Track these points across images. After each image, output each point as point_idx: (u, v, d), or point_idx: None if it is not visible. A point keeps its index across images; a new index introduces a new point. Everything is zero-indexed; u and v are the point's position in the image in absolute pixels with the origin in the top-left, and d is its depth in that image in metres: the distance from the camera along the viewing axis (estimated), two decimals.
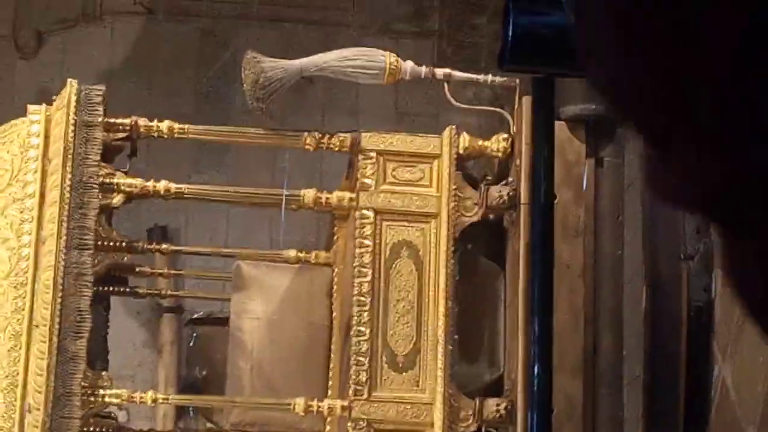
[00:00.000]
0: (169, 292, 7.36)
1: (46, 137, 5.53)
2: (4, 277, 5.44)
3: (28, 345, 5.34)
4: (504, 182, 5.77)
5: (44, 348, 5.32)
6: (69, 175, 5.45)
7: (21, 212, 5.47)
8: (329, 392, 5.94)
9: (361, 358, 5.56)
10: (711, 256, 5.21)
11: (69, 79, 5.67)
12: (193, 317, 7.36)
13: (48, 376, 5.30)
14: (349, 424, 5.53)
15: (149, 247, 6.43)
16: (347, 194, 5.79)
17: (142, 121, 5.74)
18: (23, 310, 5.36)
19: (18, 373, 5.31)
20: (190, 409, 6.91)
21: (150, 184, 5.72)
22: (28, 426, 5.27)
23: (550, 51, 2.33)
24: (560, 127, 5.64)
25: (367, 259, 5.63)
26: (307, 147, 5.84)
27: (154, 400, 5.92)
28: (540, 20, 2.33)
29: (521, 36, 2.20)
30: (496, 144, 5.80)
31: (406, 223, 5.70)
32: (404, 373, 5.58)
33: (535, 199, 5.42)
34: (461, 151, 5.74)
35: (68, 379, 5.36)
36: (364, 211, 5.68)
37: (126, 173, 5.72)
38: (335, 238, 6.25)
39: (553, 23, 2.22)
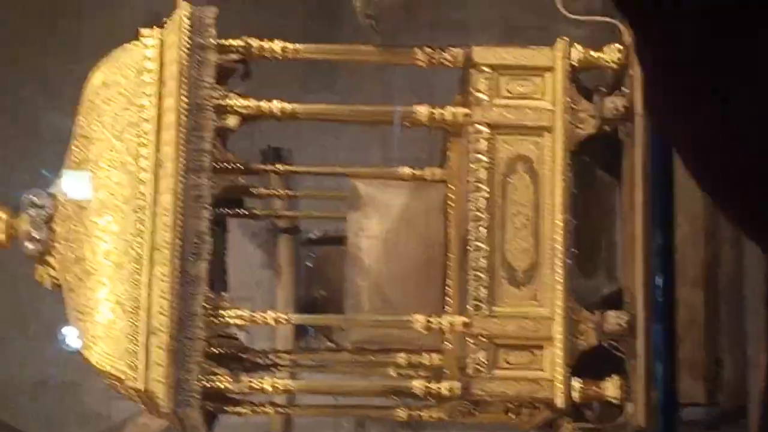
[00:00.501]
0: (284, 213, 7.42)
1: (161, 60, 5.55)
2: (125, 201, 5.48)
3: (150, 268, 5.39)
4: (618, 93, 5.71)
5: (166, 271, 5.37)
6: (184, 98, 5.48)
7: (138, 136, 5.50)
8: (447, 309, 5.94)
9: (480, 274, 5.55)
10: None
11: (180, 1, 5.67)
12: (310, 237, 7.39)
13: (171, 298, 5.35)
14: (469, 339, 5.53)
15: (264, 167, 6.47)
16: (462, 109, 5.76)
17: (255, 42, 5.75)
18: (144, 233, 5.40)
19: (141, 297, 5.37)
20: (310, 328, 6.94)
21: (264, 104, 5.73)
22: (154, 348, 5.33)
23: None
24: None
25: (482, 174, 5.62)
26: (418, 63, 5.82)
27: (275, 320, 5.96)
28: None
29: None
30: (610, 55, 5.74)
31: (521, 137, 5.68)
32: (523, 288, 5.57)
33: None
34: (574, 63, 5.71)
35: (190, 301, 5.42)
36: (479, 126, 5.65)
37: (240, 95, 5.72)
38: (448, 154, 6.23)
39: None
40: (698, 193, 5.52)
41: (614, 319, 5.53)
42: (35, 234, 5.67)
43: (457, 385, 5.63)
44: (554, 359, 5.50)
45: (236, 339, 5.98)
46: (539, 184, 5.63)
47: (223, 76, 5.74)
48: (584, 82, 5.81)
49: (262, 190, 6.70)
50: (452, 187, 6.12)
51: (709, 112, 1.24)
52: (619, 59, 5.72)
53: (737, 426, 5.45)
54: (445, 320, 5.64)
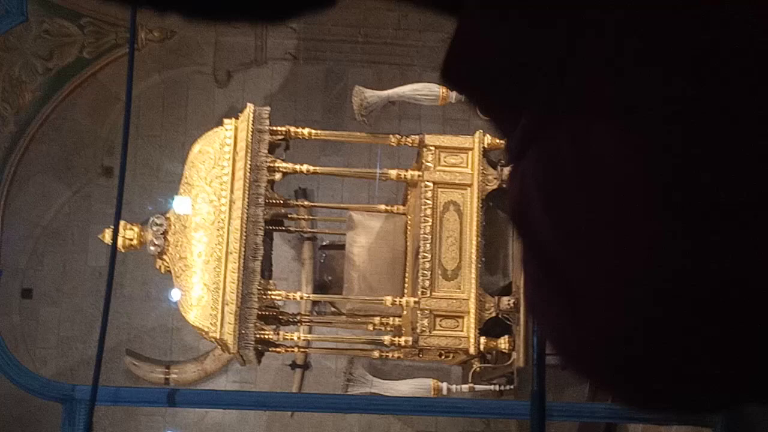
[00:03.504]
0: (308, 230, 7.40)
1: (235, 138, 5.54)
2: (211, 223, 5.47)
3: (225, 263, 5.37)
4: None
5: (235, 266, 5.35)
6: (249, 162, 5.47)
7: (220, 184, 5.49)
8: (405, 292, 5.94)
9: (425, 272, 5.55)
10: None
11: (248, 104, 5.67)
12: (323, 244, 7.38)
13: (238, 282, 5.34)
14: (418, 311, 5.53)
15: (296, 203, 6.46)
16: (416, 172, 5.76)
17: (293, 129, 5.74)
18: (222, 243, 5.39)
19: (219, 281, 5.35)
20: (322, 301, 6.93)
21: (297, 166, 5.72)
22: (227, 313, 5.32)
23: None
24: None
25: (428, 211, 5.61)
26: (391, 143, 5.82)
27: (301, 297, 5.95)
28: None
29: None
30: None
31: (452, 190, 5.67)
32: (452, 281, 5.57)
33: None
34: (485, 145, 5.70)
35: (250, 284, 5.40)
36: (427, 183, 5.65)
37: (283, 160, 5.71)
38: (408, 197, 6.23)
39: None
40: None
41: (506, 301, 5.53)
42: (156, 241, 5.65)
43: (410, 338, 5.62)
44: (469, 325, 5.49)
45: (277, 307, 5.96)
46: (463, 219, 5.63)
47: (273, 148, 5.73)
48: (491, 156, 5.81)
49: (295, 216, 6.68)
50: (410, 218, 6.11)
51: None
52: None
53: None
54: (404, 299, 5.64)
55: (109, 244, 5.28)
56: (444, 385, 5.68)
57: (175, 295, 5.68)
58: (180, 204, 5.68)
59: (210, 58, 8.67)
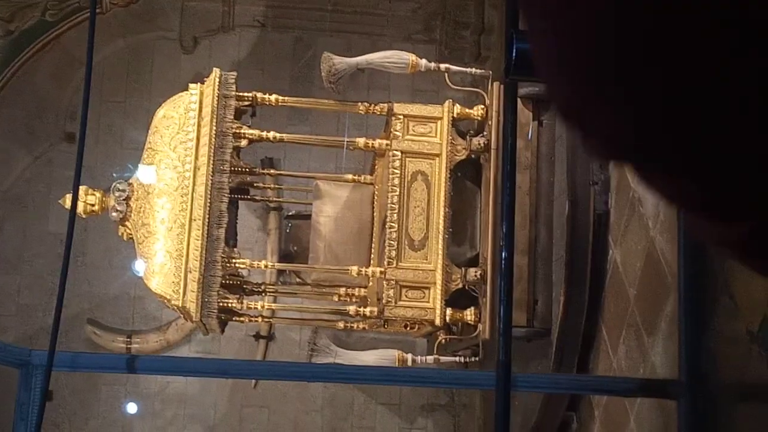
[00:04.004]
0: (274, 199, 7.33)
1: (200, 104, 5.44)
2: (175, 189, 5.38)
3: (189, 230, 5.29)
4: (481, 134, 5.67)
5: (199, 233, 5.27)
6: (214, 128, 5.38)
7: (184, 150, 5.40)
8: (372, 262, 5.89)
9: (392, 242, 5.50)
10: (608, 182, 5.11)
11: (214, 68, 5.57)
12: (289, 214, 7.30)
13: (201, 250, 5.26)
14: (384, 282, 5.48)
15: (262, 171, 6.38)
16: (385, 141, 5.70)
17: (259, 95, 5.65)
18: (186, 209, 5.31)
19: (183, 249, 5.27)
20: (287, 271, 6.87)
21: (264, 133, 5.64)
22: (189, 281, 5.24)
23: None
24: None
25: (396, 181, 5.56)
26: (360, 111, 5.75)
27: (265, 266, 5.88)
28: None
29: (520, 56, 2.09)
30: (477, 111, 5.70)
31: (420, 159, 5.62)
32: (418, 252, 5.52)
33: (501, 145, 5.31)
34: (455, 115, 5.65)
35: (213, 252, 5.33)
36: (395, 152, 5.59)
37: (249, 126, 5.63)
38: (376, 167, 6.17)
39: None
40: (526, 197, 5.51)
41: (473, 272, 5.50)
42: (118, 207, 5.55)
43: (375, 309, 5.58)
44: (436, 296, 5.46)
45: (241, 276, 5.89)
46: (431, 189, 5.58)
47: (239, 114, 5.64)
48: (461, 127, 5.76)
49: (261, 184, 6.60)
50: (377, 187, 6.06)
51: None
52: (482, 114, 5.68)
53: (544, 339, 5.44)
54: (370, 270, 5.59)
55: (69, 209, 5.17)
56: (409, 356, 5.65)
57: (138, 265, 5.59)
58: (144, 172, 5.58)
59: (176, 23, 8.53)
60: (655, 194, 0.90)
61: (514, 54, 2.11)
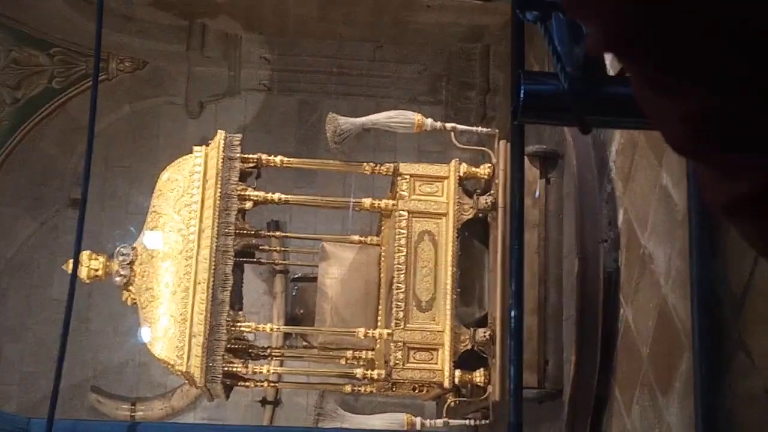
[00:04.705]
0: (280, 261, 7.28)
1: (205, 166, 5.43)
2: (179, 252, 5.34)
3: (193, 294, 5.24)
4: (488, 193, 5.63)
5: (204, 297, 5.22)
6: (219, 190, 5.35)
7: (189, 212, 5.37)
8: (379, 324, 5.81)
9: (399, 303, 5.43)
10: (618, 240, 5.05)
11: (219, 130, 5.57)
12: (295, 277, 7.24)
13: (206, 313, 5.20)
14: (391, 344, 5.40)
15: (268, 233, 6.34)
16: (391, 201, 5.66)
17: (264, 156, 5.63)
18: (190, 273, 5.26)
19: (187, 313, 5.21)
20: (293, 334, 6.78)
21: (269, 195, 5.61)
22: (194, 346, 5.17)
23: (548, 109, 2.19)
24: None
25: (403, 241, 5.51)
26: (365, 172, 5.73)
27: (271, 329, 5.82)
28: (542, 88, 2.18)
29: (528, 99, 2.06)
30: (483, 170, 5.67)
31: (427, 219, 5.57)
32: (426, 313, 5.45)
33: (509, 204, 5.26)
34: (461, 174, 5.62)
35: (218, 316, 5.26)
36: (401, 212, 5.55)
37: (254, 188, 5.60)
38: (382, 228, 6.12)
39: (551, 89, 2.08)
40: (535, 255, 5.44)
41: (482, 333, 5.41)
42: (122, 272, 5.50)
43: (383, 371, 5.49)
44: (444, 357, 5.37)
45: (247, 340, 5.81)
46: (438, 248, 5.53)
47: (244, 176, 5.62)
48: (467, 186, 5.73)
49: (266, 247, 6.55)
50: (384, 248, 6.00)
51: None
52: (488, 173, 5.65)
53: (556, 401, 5.34)
54: (377, 332, 5.51)
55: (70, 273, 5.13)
56: (418, 420, 5.54)
57: (143, 332, 5.52)
58: (148, 236, 5.55)
59: (182, 88, 8.59)
60: (652, 108, 0.97)
61: (522, 95, 2.07)
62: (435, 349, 5.40)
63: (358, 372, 5.59)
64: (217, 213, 5.32)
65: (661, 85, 0.94)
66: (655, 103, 0.97)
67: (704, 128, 0.93)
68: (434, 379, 5.37)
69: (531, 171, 5.47)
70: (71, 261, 5.18)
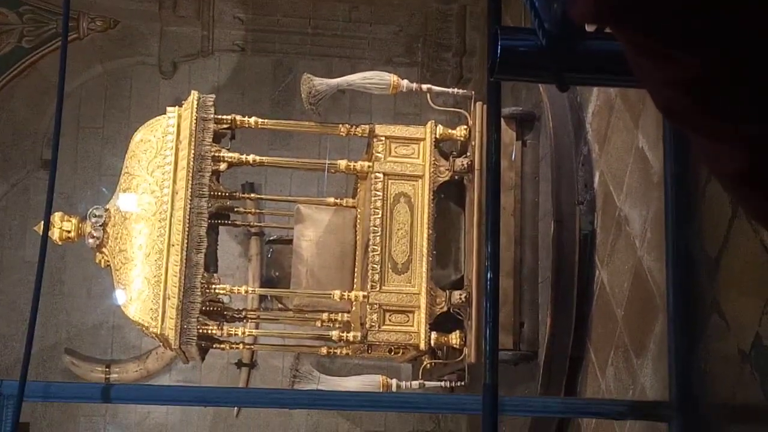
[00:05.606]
0: (255, 224, 7.24)
1: (178, 127, 5.36)
2: (152, 214, 5.28)
3: (167, 256, 5.19)
4: (464, 155, 5.61)
5: (178, 258, 5.17)
6: (192, 151, 5.29)
7: (162, 174, 5.31)
8: (354, 286, 5.80)
9: (375, 265, 5.42)
10: (594, 202, 5.06)
11: (192, 91, 5.50)
12: (270, 239, 7.21)
13: (180, 276, 5.16)
14: (367, 306, 5.40)
15: (242, 195, 6.29)
16: (367, 163, 5.63)
17: (238, 117, 5.57)
18: (164, 235, 5.21)
19: (161, 275, 5.17)
20: (268, 296, 6.77)
21: (243, 156, 5.56)
22: (168, 308, 5.14)
23: (525, 66, 2.16)
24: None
25: (378, 203, 5.48)
26: (341, 134, 5.69)
27: (246, 291, 5.80)
28: (519, 43, 2.15)
29: (506, 55, 2.03)
30: (460, 132, 5.64)
31: (403, 181, 5.55)
32: (402, 275, 5.44)
33: (485, 166, 5.25)
34: (437, 136, 5.59)
35: (193, 278, 5.22)
36: (377, 174, 5.52)
37: (228, 150, 5.55)
38: (358, 190, 6.10)
39: (529, 45, 2.05)
40: (510, 218, 5.44)
41: (458, 295, 5.42)
42: (95, 234, 5.45)
43: (358, 334, 5.49)
44: (420, 320, 5.37)
45: (222, 302, 5.79)
46: (414, 211, 5.51)
47: (218, 137, 5.56)
48: (443, 148, 5.70)
49: (241, 209, 6.50)
50: (360, 211, 5.98)
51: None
52: (465, 135, 5.62)
53: (531, 362, 5.36)
54: (353, 294, 5.50)
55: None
56: (393, 382, 5.54)
57: (118, 295, 5.48)
58: (120, 197, 5.49)
59: (155, 48, 8.47)
60: (643, 73, 0.98)
61: (499, 51, 2.05)
62: (411, 312, 5.40)
63: (334, 334, 5.59)
64: (190, 174, 5.26)
65: (651, 52, 0.96)
66: (645, 68, 0.98)
67: (694, 94, 0.94)
68: (410, 342, 5.38)
69: (507, 133, 5.45)
70: (42, 222, 5.11)
